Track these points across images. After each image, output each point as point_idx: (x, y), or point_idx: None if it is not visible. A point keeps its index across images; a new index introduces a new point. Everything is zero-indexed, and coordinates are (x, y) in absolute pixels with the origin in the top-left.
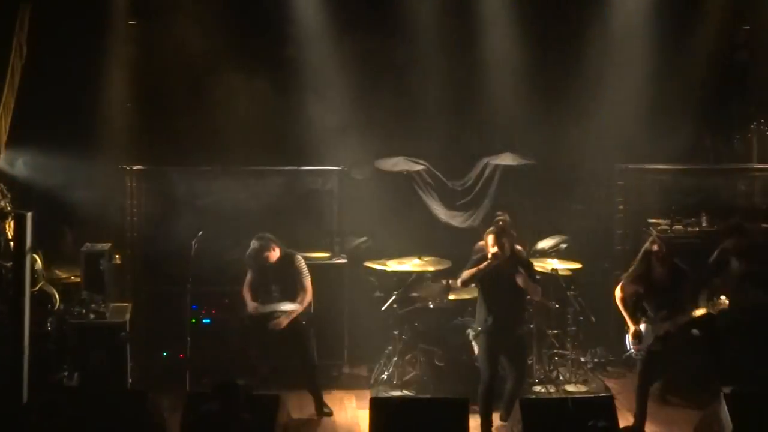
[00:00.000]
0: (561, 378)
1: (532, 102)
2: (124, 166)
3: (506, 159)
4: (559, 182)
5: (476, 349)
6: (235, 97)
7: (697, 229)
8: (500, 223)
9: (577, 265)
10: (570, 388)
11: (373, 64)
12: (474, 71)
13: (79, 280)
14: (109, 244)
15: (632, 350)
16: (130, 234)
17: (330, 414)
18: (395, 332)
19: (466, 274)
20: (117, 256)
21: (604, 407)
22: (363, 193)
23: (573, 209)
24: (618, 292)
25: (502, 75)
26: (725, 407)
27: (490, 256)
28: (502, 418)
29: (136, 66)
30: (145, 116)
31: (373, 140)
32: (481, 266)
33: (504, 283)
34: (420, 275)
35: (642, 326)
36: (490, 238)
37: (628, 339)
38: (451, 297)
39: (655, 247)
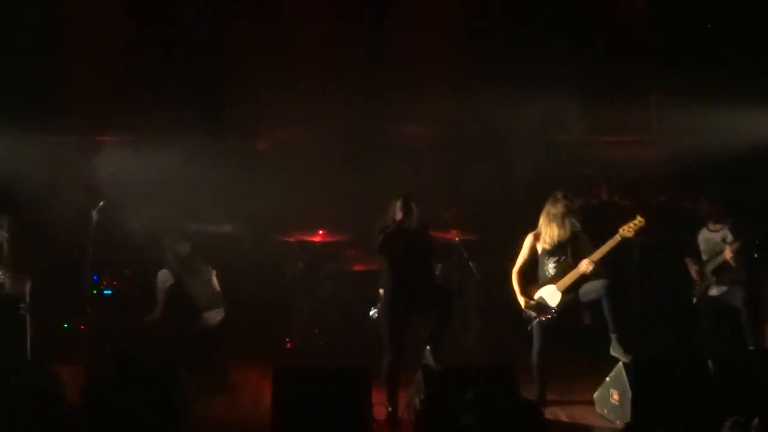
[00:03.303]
0: (464, 348)
1: (434, 71)
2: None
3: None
4: (459, 152)
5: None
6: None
7: (597, 200)
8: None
9: (475, 236)
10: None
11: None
12: (378, 36)
13: None
14: (6, 215)
15: (540, 320)
16: (29, 205)
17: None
18: (298, 303)
19: (381, 238)
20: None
21: (504, 376)
22: (264, 166)
23: (473, 179)
24: (517, 264)
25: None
26: (625, 375)
27: (398, 218)
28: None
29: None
30: (47, 83)
31: (277, 104)
32: (388, 229)
33: (413, 256)
34: (323, 245)
35: (540, 293)
36: (399, 203)
37: (529, 313)
38: (355, 267)
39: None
